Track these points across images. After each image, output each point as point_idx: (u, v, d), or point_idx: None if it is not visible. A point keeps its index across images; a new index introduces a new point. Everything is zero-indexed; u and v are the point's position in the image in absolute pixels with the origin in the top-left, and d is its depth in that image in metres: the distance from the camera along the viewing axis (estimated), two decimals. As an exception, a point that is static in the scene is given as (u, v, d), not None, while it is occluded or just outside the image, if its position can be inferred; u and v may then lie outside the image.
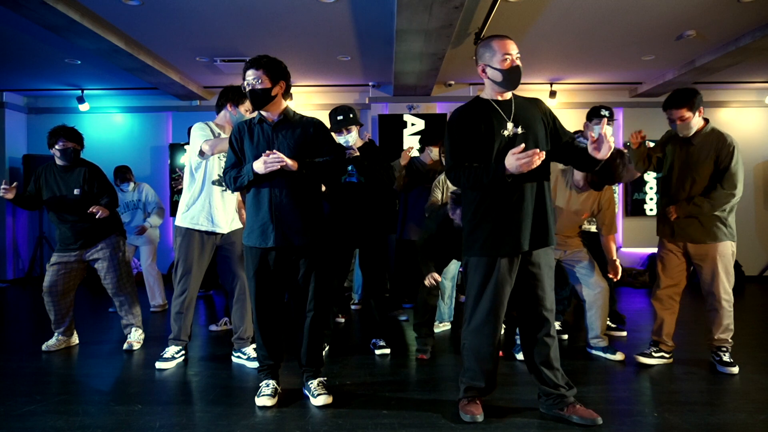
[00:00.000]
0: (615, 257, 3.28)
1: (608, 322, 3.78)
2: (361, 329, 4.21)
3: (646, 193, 6.84)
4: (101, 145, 6.87)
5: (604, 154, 2.12)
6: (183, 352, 3.28)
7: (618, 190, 6.61)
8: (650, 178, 6.68)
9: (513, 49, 2.23)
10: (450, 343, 3.76)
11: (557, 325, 3.69)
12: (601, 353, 3.32)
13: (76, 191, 3.50)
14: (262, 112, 2.54)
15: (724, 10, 4.20)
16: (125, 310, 3.69)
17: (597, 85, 6.67)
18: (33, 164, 6.43)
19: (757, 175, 6.91)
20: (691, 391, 2.73)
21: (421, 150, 4.51)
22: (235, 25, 4.54)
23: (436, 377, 2.99)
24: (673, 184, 3.09)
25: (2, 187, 3.31)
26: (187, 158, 3.21)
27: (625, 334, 3.89)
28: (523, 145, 2.10)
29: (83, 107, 6.74)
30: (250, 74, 2.45)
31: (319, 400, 2.52)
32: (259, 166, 2.39)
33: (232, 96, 3.19)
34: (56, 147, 3.49)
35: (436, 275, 3.26)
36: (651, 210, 6.77)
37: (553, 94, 6.54)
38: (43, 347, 3.54)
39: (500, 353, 3.18)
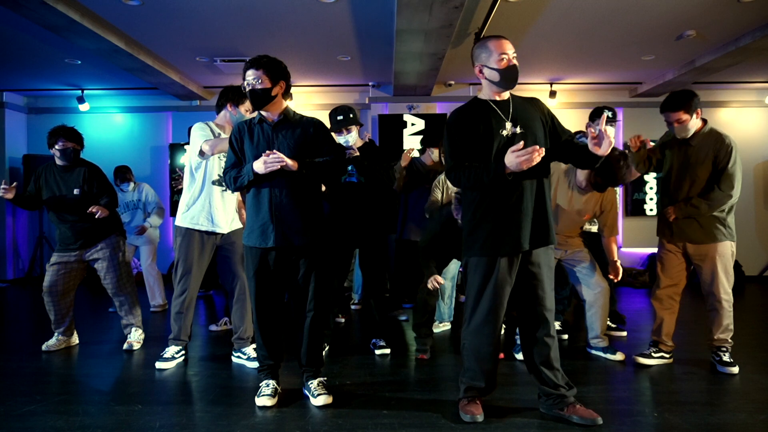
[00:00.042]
0: (616, 258, 3.28)
1: (608, 322, 3.77)
2: (361, 329, 4.21)
3: (646, 193, 6.84)
4: (101, 145, 6.87)
5: (604, 150, 2.12)
6: (183, 352, 3.28)
7: (618, 190, 6.62)
8: (650, 178, 6.68)
9: (509, 48, 2.23)
10: (450, 343, 3.76)
11: (557, 325, 3.69)
12: (601, 353, 3.32)
13: (75, 191, 3.50)
14: (262, 112, 2.54)
15: (724, 10, 4.20)
16: (125, 310, 3.69)
17: (597, 85, 6.67)
18: (33, 164, 6.43)
19: (757, 175, 6.91)
20: (691, 391, 2.73)
21: (421, 151, 4.52)
22: (235, 25, 4.54)
23: (436, 377, 2.98)
24: (672, 185, 3.09)
25: (2, 187, 3.31)
26: (187, 158, 3.21)
27: (625, 334, 3.89)
28: (522, 143, 2.10)
29: (83, 107, 6.74)
30: (250, 74, 2.45)
31: (319, 400, 2.52)
32: (259, 166, 2.39)
33: (232, 96, 3.19)
34: (56, 147, 3.49)
35: (439, 278, 3.26)
36: (651, 210, 6.77)
37: (553, 94, 6.54)
38: (43, 347, 3.54)
39: (501, 355, 3.20)
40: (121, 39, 4.72)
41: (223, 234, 3.23)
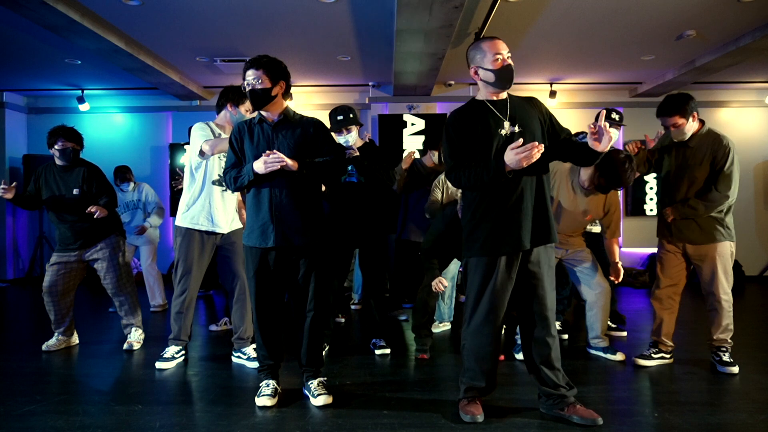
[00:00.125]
0: (617, 260, 3.27)
1: (608, 323, 3.77)
2: (361, 329, 4.21)
3: (646, 193, 6.84)
4: (101, 145, 6.87)
5: (604, 146, 2.12)
6: (183, 352, 3.28)
7: (619, 191, 6.63)
8: (650, 178, 6.67)
9: (503, 48, 2.24)
10: (450, 343, 3.76)
11: (557, 325, 3.69)
12: (601, 353, 3.32)
13: (75, 191, 3.50)
14: (262, 112, 2.54)
15: (724, 10, 4.20)
16: (125, 310, 3.69)
17: (597, 85, 6.67)
18: (33, 164, 6.43)
19: (757, 175, 6.91)
20: (691, 391, 2.73)
21: (422, 152, 4.52)
22: (235, 25, 4.54)
23: (436, 377, 2.98)
24: (671, 186, 3.09)
25: (1, 186, 3.31)
26: (187, 158, 3.21)
27: (625, 334, 3.89)
28: (521, 140, 2.10)
29: (83, 107, 6.74)
30: (250, 74, 2.45)
31: (319, 400, 2.52)
32: (259, 166, 2.39)
33: (232, 96, 3.19)
34: (56, 147, 3.49)
35: (444, 281, 3.26)
36: (651, 210, 6.77)
37: (553, 94, 6.54)
38: (43, 347, 3.54)
39: (501, 357, 3.20)
40: (121, 39, 4.72)
41: (223, 234, 3.23)
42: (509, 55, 2.26)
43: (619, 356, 3.24)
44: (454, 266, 3.92)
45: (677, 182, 3.06)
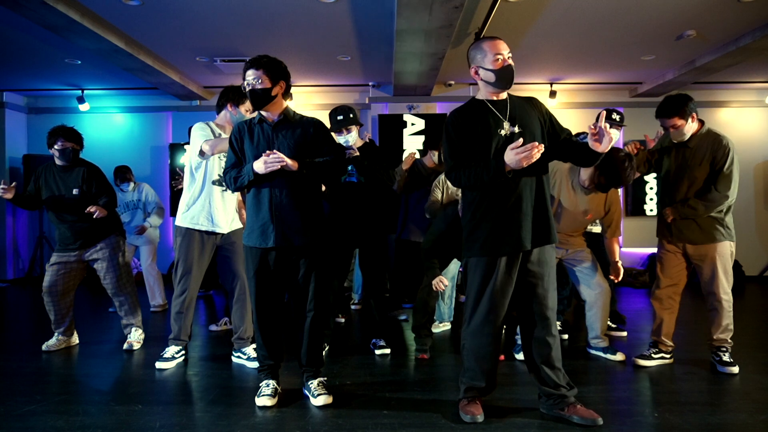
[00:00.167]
0: (617, 259, 3.28)
1: (608, 323, 3.77)
2: (361, 329, 4.21)
3: (646, 193, 6.84)
4: (101, 145, 6.87)
5: (604, 146, 2.12)
6: (183, 352, 3.28)
7: (619, 191, 6.63)
8: (650, 178, 6.67)
9: (504, 49, 2.24)
10: (450, 343, 3.76)
11: (557, 324, 3.69)
12: (601, 353, 3.32)
13: (75, 191, 3.50)
14: (262, 112, 2.54)
15: (725, 10, 4.20)
16: (125, 310, 3.69)
17: (597, 85, 6.67)
18: (33, 164, 6.43)
19: (757, 175, 6.90)
20: (691, 391, 2.73)
21: (422, 153, 4.52)
22: (235, 25, 4.54)
23: (436, 377, 2.98)
24: (671, 186, 3.09)
25: (1, 186, 3.31)
26: (188, 158, 3.21)
27: (625, 334, 3.89)
28: (521, 140, 2.10)
29: (83, 107, 6.74)
30: (250, 74, 2.45)
31: (319, 400, 2.52)
32: (259, 166, 2.39)
33: (232, 96, 3.19)
34: (55, 147, 3.49)
35: (444, 280, 3.26)
36: (651, 210, 6.77)
37: (553, 94, 6.54)
38: (43, 347, 3.54)
39: (501, 357, 3.20)
40: (121, 39, 4.72)
41: (223, 234, 3.23)
42: (510, 55, 2.26)
43: (619, 356, 3.24)
44: (454, 266, 3.92)
45: (677, 182, 3.06)
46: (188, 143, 3.31)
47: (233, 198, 3.28)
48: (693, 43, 5.02)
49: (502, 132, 2.24)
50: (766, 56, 5.26)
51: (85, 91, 6.73)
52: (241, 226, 3.29)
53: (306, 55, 5.42)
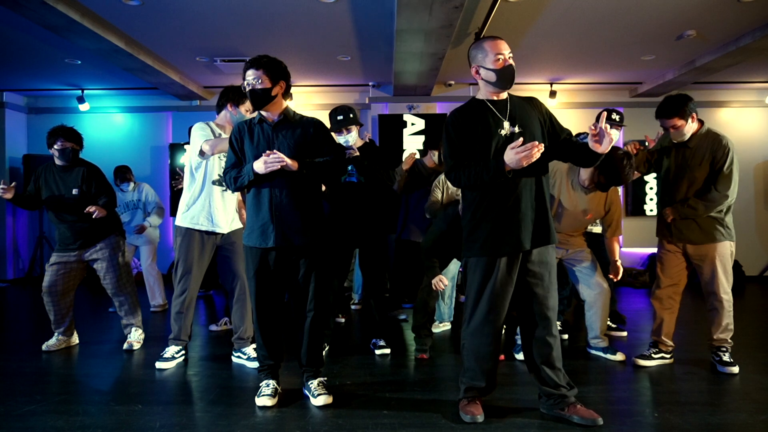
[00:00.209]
0: (617, 258, 3.28)
1: (608, 323, 3.77)
2: (361, 329, 4.21)
3: (646, 193, 6.84)
4: (101, 145, 6.87)
5: (604, 147, 2.12)
6: (183, 352, 3.28)
7: (619, 190, 6.64)
8: (650, 178, 6.67)
9: (505, 48, 2.24)
10: (450, 343, 3.76)
11: (557, 324, 3.69)
12: (601, 353, 3.31)
13: (74, 191, 3.50)
14: (262, 112, 2.54)
15: (725, 10, 4.20)
16: (125, 310, 3.69)
17: (597, 85, 6.67)
18: (33, 164, 6.43)
19: (757, 175, 6.90)
20: (691, 391, 2.73)
21: (423, 153, 4.52)
22: (235, 25, 4.54)
23: (436, 377, 2.98)
24: (671, 187, 3.09)
25: (1, 186, 3.31)
26: (188, 158, 3.21)
27: (625, 334, 3.89)
28: (521, 140, 2.10)
29: (83, 107, 6.74)
30: (250, 74, 2.45)
31: (319, 400, 2.52)
32: (259, 166, 2.39)
33: (232, 96, 3.19)
34: (55, 147, 3.49)
35: (444, 279, 3.26)
36: (651, 210, 6.77)
37: (553, 94, 6.54)
38: (43, 347, 3.54)
39: (502, 357, 3.20)
40: (121, 39, 4.72)
41: (223, 234, 3.23)
42: (511, 55, 2.26)
43: (619, 356, 3.24)
44: (454, 266, 3.92)
45: (677, 183, 3.06)
46: (188, 143, 3.31)
47: (233, 198, 3.28)
48: (693, 43, 5.02)
49: (503, 132, 2.24)
50: (766, 56, 5.26)
51: (85, 91, 6.73)
52: (241, 226, 3.29)
53: (306, 55, 5.42)
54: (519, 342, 3.22)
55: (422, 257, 3.35)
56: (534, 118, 2.30)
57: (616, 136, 2.18)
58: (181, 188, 3.35)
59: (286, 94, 2.58)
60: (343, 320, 4.43)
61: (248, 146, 2.53)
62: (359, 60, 5.63)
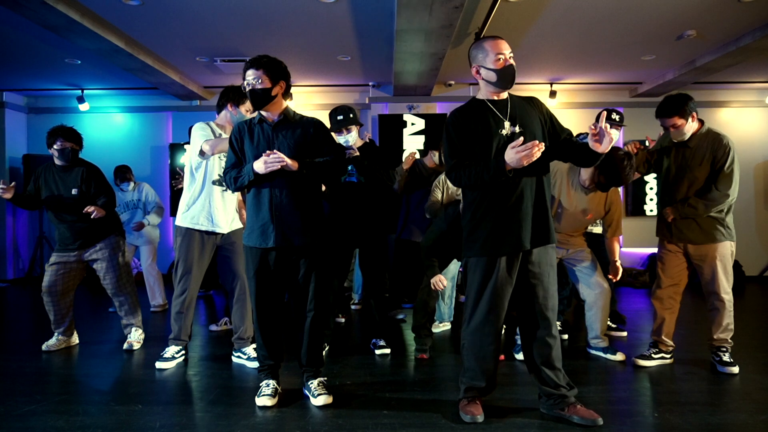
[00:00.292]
0: (617, 258, 3.27)
1: (608, 323, 3.77)
2: (361, 329, 4.21)
3: (646, 194, 6.84)
4: (101, 145, 6.87)
5: (604, 147, 2.12)
6: (183, 352, 3.28)
7: (619, 190, 6.63)
8: (650, 178, 6.67)
9: (505, 48, 2.24)
10: (450, 343, 3.76)
11: (557, 324, 3.69)
12: (601, 353, 3.31)
13: (74, 191, 3.50)
14: (262, 112, 2.54)
15: (725, 10, 4.20)
16: (125, 310, 3.69)
17: (597, 85, 6.67)
18: (33, 164, 6.43)
19: (757, 175, 6.90)
20: (691, 391, 2.73)
21: (423, 153, 4.51)
22: (235, 25, 4.54)
23: (436, 377, 2.98)
24: (671, 186, 3.09)
25: (0, 186, 3.31)
26: (188, 158, 3.20)
27: (625, 334, 3.89)
28: (521, 139, 2.10)
29: (83, 107, 6.74)
30: (250, 74, 2.45)
31: (319, 400, 2.52)
32: (259, 166, 2.39)
33: (232, 96, 3.19)
34: (54, 147, 3.49)
35: (444, 279, 3.26)
36: (651, 210, 6.77)
37: (553, 94, 6.54)
38: (43, 347, 3.54)
39: (502, 357, 3.20)
40: (121, 39, 4.72)
41: (223, 234, 3.23)
42: (511, 55, 2.26)
43: (619, 356, 3.24)
44: (454, 266, 3.92)
45: (677, 182, 3.06)
46: (188, 143, 3.31)
47: (233, 198, 3.28)
48: (693, 43, 5.02)
49: (503, 132, 2.24)
50: (766, 56, 5.26)
51: (85, 91, 6.73)
52: (241, 226, 3.29)
53: (306, 55, 5.42)
54: (519, 342, 3.22)
55: (422, 256, 3.35)
56: (534, 118, 2.30)
57: (616, 136, 2.18)
58: (181, 188, 3.35)
59: (286, 94, 2.58)
60: (343, 320, 4.43)
61: (248, 146, 2.53)
62: (359, 60, 5.63)
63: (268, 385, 2.58)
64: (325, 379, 2.70)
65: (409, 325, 4.00)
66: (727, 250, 3.01)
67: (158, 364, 3.15)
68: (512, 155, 2.09)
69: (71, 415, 2.43)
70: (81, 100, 6.68)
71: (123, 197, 4.84)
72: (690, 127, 2.98)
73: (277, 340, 2.63)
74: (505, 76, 2.24)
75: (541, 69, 6.01)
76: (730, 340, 3.05)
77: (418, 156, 4.52)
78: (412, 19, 3.97)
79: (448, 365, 3.21)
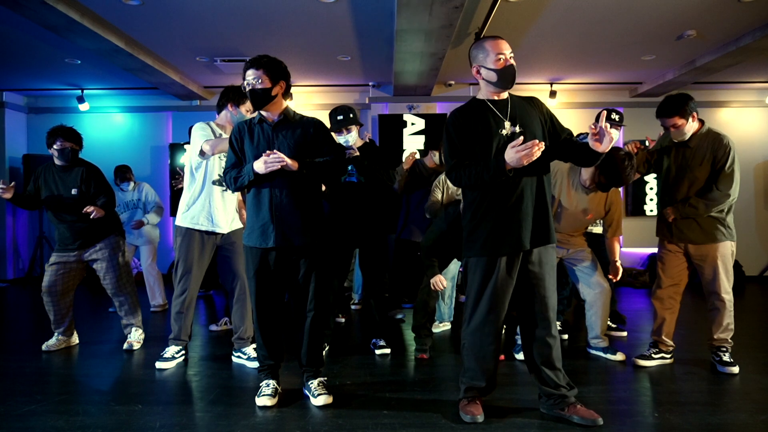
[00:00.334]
0: (617, 258, 3.27)
1: (609, 323, 3.77)
2: (361, 329, 4.21)
3: (646, 194, 6.84)
4: (101, 145, 6.87)
5: (605, 146, 2.12)
6: (183, 352, 3.28)
7: (620, 190, 6.63)
8: (650, 178, 6.67)
9: (506, 48, 2.24)
10: (450, 343, 3.76)
11: (557, 324, 3.68)
12: (601, 353, 3.31)
13: (73, 191, 3.50)
14: (262, 112, 2.54)
15: (725, 10, 4.20)
16: (125, 310, 3.69)
17: (597, 85, 6.67)
18: (33, 164, 6.42)
19: (757, 175, 6.90)
20: (691, 391, 2.73)
21: (423, 153, 4.51)
22: (235, 25, 4.54)
23: (436, 377, 2.98)
24: (671, 187, 3.09)
25: (0, 186, 3.31)
26: (188, 158, 3.20)
27: (625, 334, 3.89)
28: (521, 138, 2.10)
29: (83, 107, 6.74)
30: (250, 74, 2.45)
31: (320, 400, 2.52)
32: (259, 166, 2.39)
33: (232, 96, 3.19)
34: (54, 147, 3.48)
35: (443, 279, 3.26)
36: (651, 210, 6.77)
37: (553, 94, 6.54)
38: (43, 347, 3.54)
39: (502, 357, 3.20)
40: (121, 39, 4.72)
41: (223, 234, 3.23)
42: (512, 55, 2.26)
43: (619, 356, 3.24)
44: (454, 266, 3.92)
45: (678, 182, 3.06)
46: (188, 143, 3.31)
47: (233, 198, 3.28)
48: (693, 43, 5.02)
49: (503, 132, 2.24)
50: (766, 56, 5.26)
51: (85, 91, 6.73)
52: (241, 226, 3.29)
53: (306, 55, 5.42)
54: (519, 342, 3.22)
55: (422, 256, 3.35)
56: (535, 118, 2.30)
57: (616, 136, 2.18)
58: (181, 188, 3.35)
59: (286, 94, 2.58)
60: (343, 320, 4.43)
61: (248, 146, 2.53)
62: (359, 60, 5.63)
63: (268, 385, 2.58)
64: (325, 379, 2.70)
65: (409, 325, 4.00)
66: (727, 250, 3.01)
67: (158, 364, 3.15)
68: (512, 155, 2.09)
69: (71, 415, 2.43)
70: (81, 100, 6.68)
71: (123, 197, 4.84)
72: (690, 127, 2.98)
73: (277, 340, 2.63)
74: (506, 76, 2.24)
75: (541, 69, 6.01)
76: (730, 340, 3.05)
77: (418, 156, 4.51)
78: (412, 19, 3.97)
79: (448, 365, 3.21)
